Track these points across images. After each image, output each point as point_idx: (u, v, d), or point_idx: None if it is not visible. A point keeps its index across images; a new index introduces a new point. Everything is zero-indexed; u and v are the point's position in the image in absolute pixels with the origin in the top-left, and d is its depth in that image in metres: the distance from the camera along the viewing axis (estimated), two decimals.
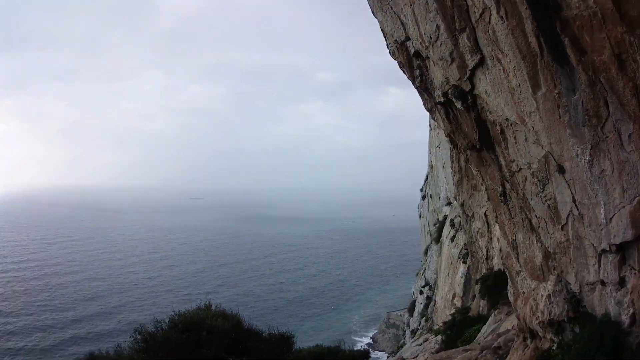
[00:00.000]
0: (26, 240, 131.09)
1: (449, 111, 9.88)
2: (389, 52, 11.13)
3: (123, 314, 66.95)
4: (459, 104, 9.15)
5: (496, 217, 10.68)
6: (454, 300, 31.74)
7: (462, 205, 28.08)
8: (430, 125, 47.10)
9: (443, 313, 33.22)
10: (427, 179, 51.20)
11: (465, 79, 8.66)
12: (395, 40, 10.28)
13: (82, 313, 66.79)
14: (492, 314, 19.65)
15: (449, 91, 9.18)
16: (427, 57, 9.50)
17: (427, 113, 11.93)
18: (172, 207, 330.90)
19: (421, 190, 54.03)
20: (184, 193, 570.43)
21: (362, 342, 68.29)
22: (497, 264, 23.37)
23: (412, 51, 9.87)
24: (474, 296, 28.31)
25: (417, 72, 10.12)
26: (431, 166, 47.75)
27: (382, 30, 10.87)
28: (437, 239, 42.06)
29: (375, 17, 10.93)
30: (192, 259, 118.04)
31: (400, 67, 10.97)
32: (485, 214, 24.73)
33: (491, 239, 24.62)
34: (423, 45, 9.33)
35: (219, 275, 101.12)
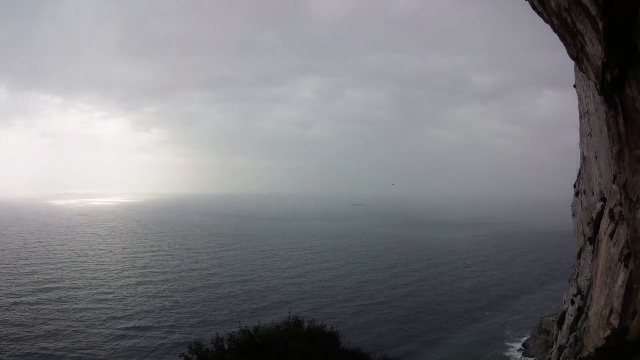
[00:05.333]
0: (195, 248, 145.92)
1: None
2: None
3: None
4: None
5: None
6: (611, 319, 26.28)
7: (624, 186, 18.26)
8: (579, 111, 41.60)
9: (596, 335, 27.86)
10: (579, 173, 45.32)
11: None
12: None
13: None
14: None
15: None
16: None
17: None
18: (333, 214, 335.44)
19: (574, 186, 47.96)
20: (345, 200, 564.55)
21: (513, 347, 66.72)
22: None
23: None
24: (634, 312, 23.24)
25: None
26: (583, 158, 42.10)
27: None
28: (592, 238, 36.65)
29: None
30: (356, 268, 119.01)
31: None
32: None
33: None
34: None
35: (384, 278, 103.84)
